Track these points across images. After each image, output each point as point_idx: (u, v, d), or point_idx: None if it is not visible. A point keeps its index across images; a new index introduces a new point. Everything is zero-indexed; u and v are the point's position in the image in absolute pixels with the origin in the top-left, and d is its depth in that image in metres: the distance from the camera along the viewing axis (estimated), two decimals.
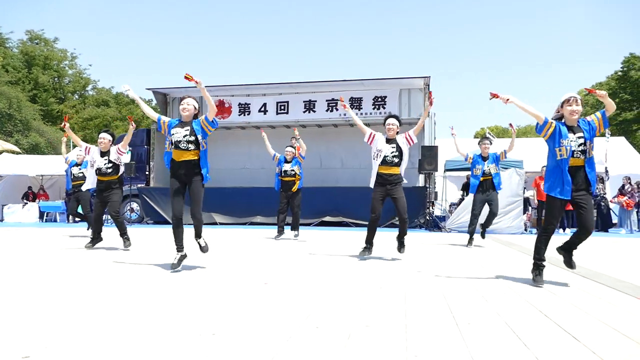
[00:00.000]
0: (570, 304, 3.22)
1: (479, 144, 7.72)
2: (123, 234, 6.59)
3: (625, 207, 12.83)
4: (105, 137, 6.59)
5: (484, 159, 7.45)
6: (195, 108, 4.73)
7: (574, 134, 3.88)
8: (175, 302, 3.21)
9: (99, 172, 6.54)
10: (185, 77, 4.36)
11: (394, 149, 5.56)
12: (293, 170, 8.50)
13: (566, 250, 4.18)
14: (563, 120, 3.99)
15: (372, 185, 5.68)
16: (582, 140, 3.86)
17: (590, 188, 3.91)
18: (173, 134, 4.64)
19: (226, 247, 7.01)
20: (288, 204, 8.62)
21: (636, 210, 13.12)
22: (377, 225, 5.73)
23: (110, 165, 6.50)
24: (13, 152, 19.37)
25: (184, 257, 4.69)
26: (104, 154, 6.57)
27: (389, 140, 5.64)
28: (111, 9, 70.90)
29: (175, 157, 4.67)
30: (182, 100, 4.73)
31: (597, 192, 13.18)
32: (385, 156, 5.54)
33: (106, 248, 6.72)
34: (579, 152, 3.87)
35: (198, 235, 4.85)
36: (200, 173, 4.68)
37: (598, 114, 3.93)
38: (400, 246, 5.79)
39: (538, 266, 4.06)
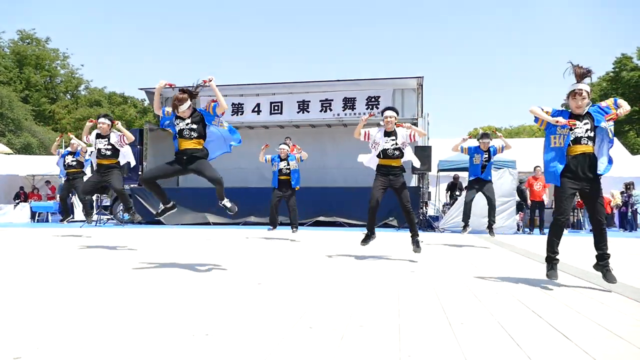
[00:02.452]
0: (562, 303, 3.24)
1: (478, 140, 7.74)
2: (129, 208, 6.65)
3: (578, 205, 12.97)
4: (104, 121, 6.62)
5: (483, 151, 7.50)
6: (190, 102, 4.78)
7: (581, 121, 3.66)
8: (168, 301, 3.20)
9: (98, 154, 6.60)
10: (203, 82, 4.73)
11: (394, 142, 5.39)
12: (288, 168, 8.48)
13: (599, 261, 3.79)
14: (569, 110, 3.77)
15: (369, 165, 5.64)
16: (588, 126, 3.63)
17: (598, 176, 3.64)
18: (176, 124, 4.76)
19: (220, 247, 6.99)
20: (280, 200, 8.61)
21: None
22: (376, 212, 5.49)
23: (109, 147, 6.51)
24: (5, 152, 19.21)
25: (168, 209, 5.00)
26: (103, 136, 6.57)
27: (387, 133, 5.43)
28: (103, 8, 70.60)
29: (179, 146, 4.80)
30: (176, 108, 4.71)
31: None
32: (385, 149, 5.41)
33: (97, 247, 6.68)
34: (587, 139, 3.64)
35: (220, 198, 4.91)
36: (203, 156, 4.87)
37: (611, 101, 3.69)
38: (415, 246, 5.47)
39: (551, 259, 3.83)
